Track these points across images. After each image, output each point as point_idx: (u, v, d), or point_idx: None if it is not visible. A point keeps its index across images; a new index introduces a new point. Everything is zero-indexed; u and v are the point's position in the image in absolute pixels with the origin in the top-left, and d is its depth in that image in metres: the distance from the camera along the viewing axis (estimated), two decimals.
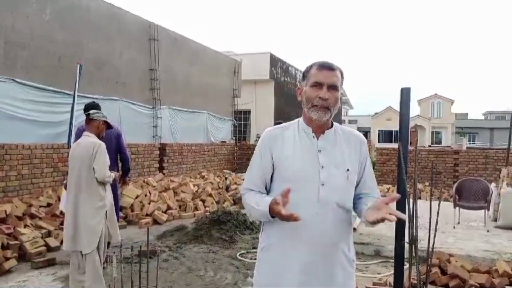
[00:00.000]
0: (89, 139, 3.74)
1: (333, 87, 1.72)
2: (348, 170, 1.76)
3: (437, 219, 2.54)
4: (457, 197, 7.31)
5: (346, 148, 1.79)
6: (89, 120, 3.81)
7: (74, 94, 6.62)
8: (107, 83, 9.35)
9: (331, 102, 1.72)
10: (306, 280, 1.69)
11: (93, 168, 3.63)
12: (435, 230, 2.52)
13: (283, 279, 1.70)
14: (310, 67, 1.79)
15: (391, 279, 4.09)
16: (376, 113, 48.31)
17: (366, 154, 1.87)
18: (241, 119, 18.35)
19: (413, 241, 2.44)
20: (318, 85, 1.72)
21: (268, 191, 1.82)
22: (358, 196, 1.83)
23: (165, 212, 7.46)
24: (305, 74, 1.81)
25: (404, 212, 2.63)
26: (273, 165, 1.78)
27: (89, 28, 8.81)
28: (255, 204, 1.72)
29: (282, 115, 16.75)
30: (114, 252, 3.68)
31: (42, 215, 5.92)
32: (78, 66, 6.77)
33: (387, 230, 6.43)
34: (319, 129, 1.78)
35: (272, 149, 1.77)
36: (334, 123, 1.83)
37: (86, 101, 8.45)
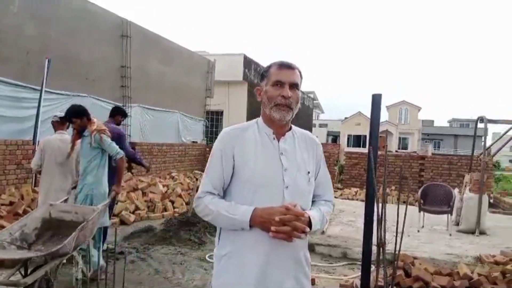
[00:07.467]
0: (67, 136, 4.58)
1: (294, 86, 1.71)
2: (308, 173, 1.75)
3: (403, 223, 2.60)
4: (422, 202, 7.51)
5: (304, 151, 1.78)
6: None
7: (41, 89, 6.45)
8: (76, 79, 9.10)
9: (293, 100, 1.70)
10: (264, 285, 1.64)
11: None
12: (402, 234, 2.58)
13: (240, 285, 1.65)
14: (270, 66, 1.77)
15: (357, 281, 4.17)
16: (346, 118, 49.18)
17: (321, 156, 1.86)
18: (213, 119, 18.26)
19: (381, 243, 2.49)
20: (279, 84, 1.70)
21: (224, 194, 1.74)
22: (312, 198, 1.82)
23: (132, 213, 7.33)
24: (264, 74, 1.78)
25: (373, 215, 2.69)
26: (233, 167, 1.70)
27: (59, 23, 8.56)
28: (226, 211, 1.64)
29: (254, 117, 16.73)
30: (79, 253, 3.59)
31: (3, 213, 5.70)
32: (46, 61, 6.59)
33: (355, 232, 6.55)
34: (280, 130, 1.75)
35: (234, 150, 1.70)
36: (292, 126, 1.81)
37: (54, 97, 8.33)
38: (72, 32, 8.96)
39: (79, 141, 4.23)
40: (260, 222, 1.60)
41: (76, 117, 4.12)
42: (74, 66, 9.01)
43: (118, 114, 5.43)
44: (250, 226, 1.61)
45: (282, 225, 1.56)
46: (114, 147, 4.13)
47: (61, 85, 8.42)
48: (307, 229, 1.61)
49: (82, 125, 4.12)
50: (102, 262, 4.15)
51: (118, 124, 5.45)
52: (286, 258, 1.67)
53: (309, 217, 1.64)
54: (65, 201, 3.98)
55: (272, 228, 1.56)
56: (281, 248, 1.64)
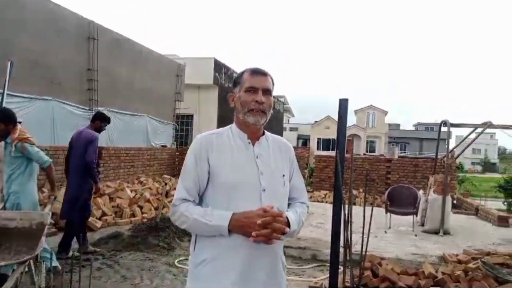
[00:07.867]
0: None
1: (267, 91, 1.75)
2: (283, 176, 1.78)
3: (370, 224, 2.66)
4: (389, 203, 7.69)
5: (278, 155, 1.82)
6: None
7: (3, 92, 6.21)
8: (41, 82, 8.82)
9: (267, 106, 1.74)
10: None
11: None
12: (368, 235, 2.63)
13: None
14: (242, 73, 1.81)
15: (326, 283, 4.22)
16: (315, 122, 49.87)
17: (294, 160, 1.90)
18: (183, 123, 18.10)
19: (348, 245, 2.53)
20: (252, 89, 1.73)
21: (200, 200, 1.74)
22: (288, 201, 1.85)
23: (99, 219, 7.16)
24: (237, 80, 1.81)
25: (340, 217, 2.74)
26: (209, 172, 1.70)
27: (23, 24, 8.27)
28: (202, 217, 1.62)
29: (225, 121, 16.73)
30: (43, 261, 3.48)
31: None
32: (9, 63, 6.36)
33: (324, 234, 6.62)
34: (254, 135, 1.78)
35: (209, 155, 1.70)
36: (265, 131, 1.84)
37: (16, 100, 8.04)
38: (37, 34, 8.68)
39: (2, 143, 3.99)
40: (240, 226, 1.59)
41: (1, 121, 3.90)
42: (38, 69, 8.74)
43: (97, 119, 5.54)
44: (229, 231, 1.60)
45: (262, 228, 1.57)
46: (41, 155, 3.99)
47: (25, 88, 8.15)
48: (287, 230, 1.63)
49: (5, 130, 3.90)
50: (56, 264, 4.20)
51: (98, 129, 5.55)
52: (265, 262, 1.68)
53: (287, 217, 1.66)
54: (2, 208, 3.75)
55: (253, 233, 1.56)
56: (260, 252, 1.65)
